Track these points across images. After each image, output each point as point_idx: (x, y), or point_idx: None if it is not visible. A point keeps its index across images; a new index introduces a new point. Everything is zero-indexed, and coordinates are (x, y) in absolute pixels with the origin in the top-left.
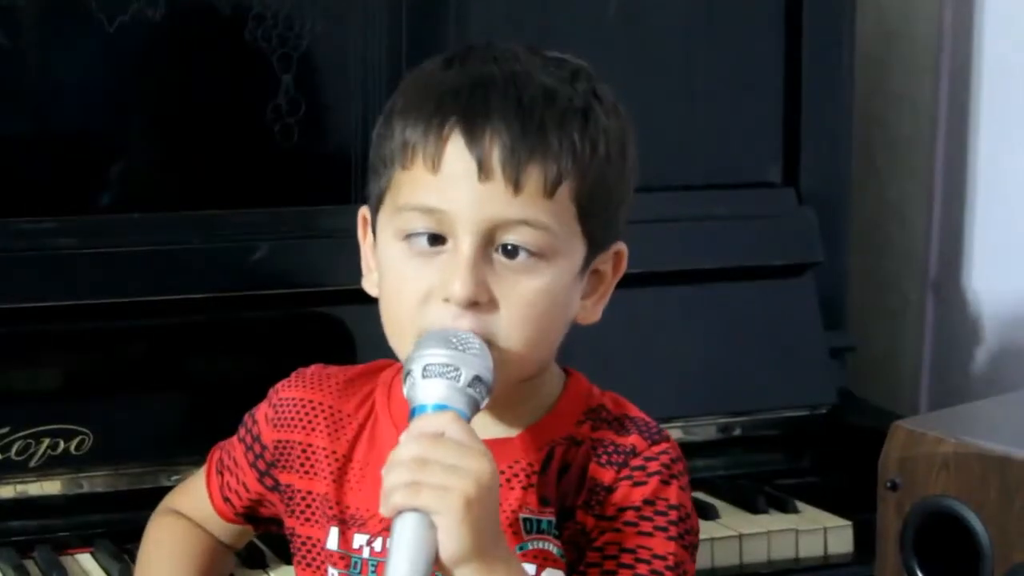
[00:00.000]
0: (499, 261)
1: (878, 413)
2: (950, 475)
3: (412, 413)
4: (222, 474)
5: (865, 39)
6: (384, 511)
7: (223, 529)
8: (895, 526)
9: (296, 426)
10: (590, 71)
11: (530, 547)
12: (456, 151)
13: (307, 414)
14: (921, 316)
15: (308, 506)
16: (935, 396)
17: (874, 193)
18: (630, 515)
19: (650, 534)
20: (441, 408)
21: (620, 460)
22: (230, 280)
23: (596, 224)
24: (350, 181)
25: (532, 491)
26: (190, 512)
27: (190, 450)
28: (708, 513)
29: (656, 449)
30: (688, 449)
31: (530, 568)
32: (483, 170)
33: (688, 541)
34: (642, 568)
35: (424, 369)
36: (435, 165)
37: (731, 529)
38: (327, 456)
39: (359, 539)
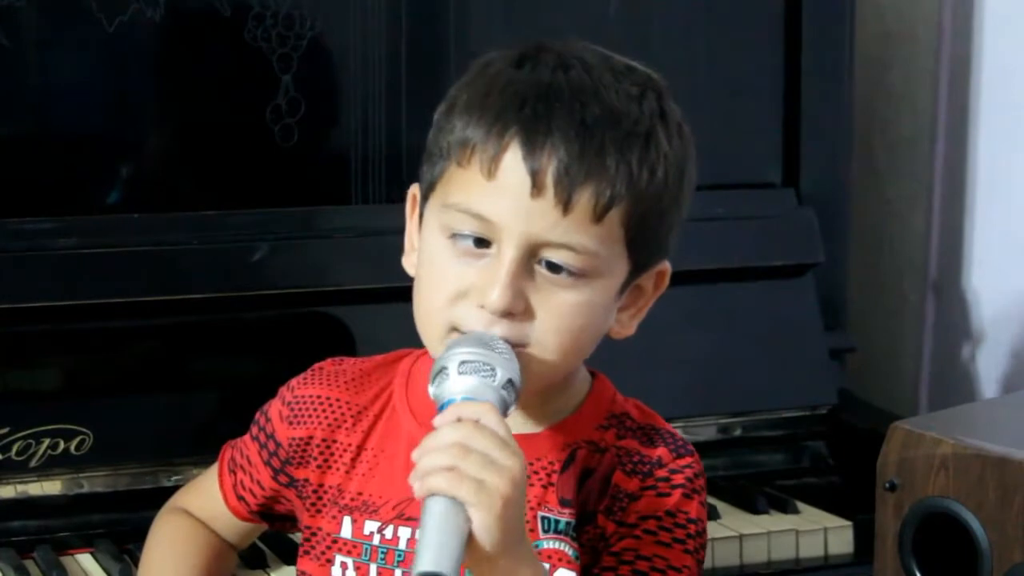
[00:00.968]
0: (540, 273)
1: (878, 413)
2: (949, 476)
3: (441, 408)
4: (235, 473)
5: (865, 39)
6: (419, 490)
7: (232, 528)
8: (894, 527)
9: (313, 422)
10: (660, 83)
11: (545, 546)
12: (513, 162)
13: (325, 411)
14: (921, 316)
15: (319, 498)
16: (935, 396)
17: (874, 193)
18: (651, 524)
19: (668, 545)
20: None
21: (646, 470)
22: (230, 280)
23: (643, 247)
24: (350, 181)
25: (552, 490)
26: (199, 511)
27: (190, 450)
28: (708, 513)
29: (681, 463)
30: None
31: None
32: (536, 185)
33: (700, 556)
34: None
35: (460, 365)
36: (490, 172)
37: (731, 529)
38: (344, 450)
39: (370, 526)
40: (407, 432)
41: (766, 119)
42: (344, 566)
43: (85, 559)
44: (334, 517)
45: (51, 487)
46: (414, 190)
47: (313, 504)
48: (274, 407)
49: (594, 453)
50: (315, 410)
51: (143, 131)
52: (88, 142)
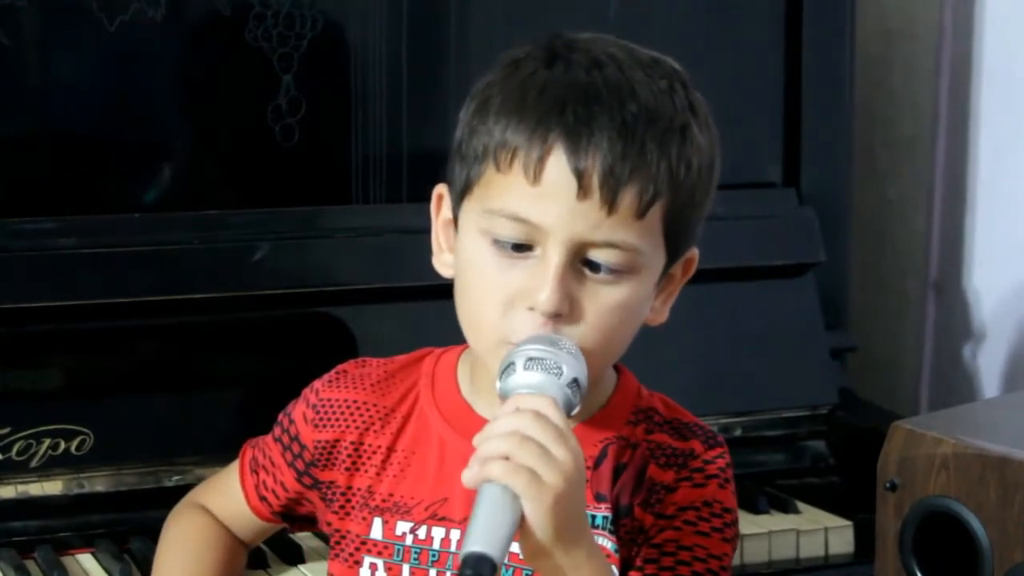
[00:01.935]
0: (584, 272)
1: (878, 413)
2: (949, 475)
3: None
4: (257, 473)
5: (865, 39)
6: (472, 476)
7: (250, 527)
8: (894, 526)
9: (341, 426)
10: (683, 73)
11: None
12: (557, 165)
13: (352, 414)
14: (922, 316)
15: (348, 500)
16: (935, 396)
17: (874, 193)
18: (690, 515)
19: (707, 535)
20: None
21: (680, 462)
22: (230, 280)
23: (679, 237)
24: (350, 181)
25: (587, 485)
26: (218, 509)
27: (190, 450)
28: None
29: (713, 453)
30: None
31: None
32: (582, 187)
33: (735, 545)
34: (699, 566)
35: (527, 361)
36: (536, 176)
37: None
38: (374, 452)
39: (402, 527)
40: (437, 434)
41: (766, 119)
42: (373, 567)
43: (86, 559)
44: (364, 519)
45: (52, 487)
46: (440, 189)
47: (341, 507)
48: (298, 410)
49: (625, 448)
50: (342, 414)
51: (143, 131)
52: (88, 142)
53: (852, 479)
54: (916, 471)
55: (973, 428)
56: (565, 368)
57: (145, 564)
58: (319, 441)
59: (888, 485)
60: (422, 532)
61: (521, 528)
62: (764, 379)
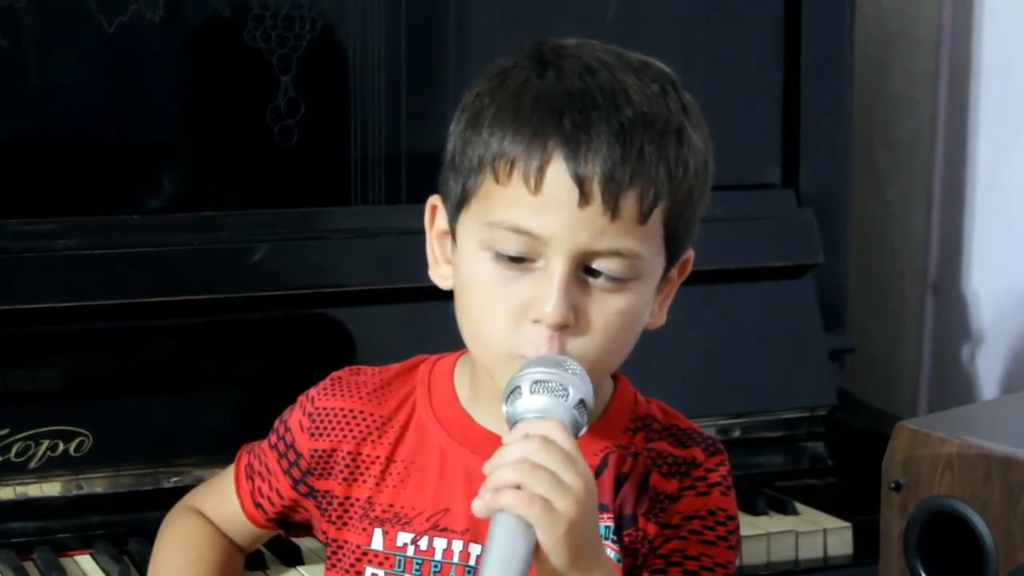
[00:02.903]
0: (587, 281)
1: (877, 415)
2: (954, 475)
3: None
4: (252, 479)
5: (865, 40)
6: (484, 505)
7: (245, 532)
8: (899, 526)
9: (337, 435)
10: (672, 75)
11: None
12: (557, 174)
13: (348, 423)
14: (921, 316)
15: (345, 511)
16: (935, 396)
17: (874, 193)
18: (696, 524)
19: (713, 543)
20: None
21: (683, 471)
22: (230, 281)
23: (678, 240)
24: (350, 181)
25: None
26: (214, 514)
27: (190, 451)
28: None
29: (714, 460)
30: None
31: None
32: (583, 195)
33: (737, 552)
34: (706, 575)
35: (533, 384)
36: (536, 186)
37: None
38: (372, 462)
39: (403, 537)
40: (436, 444)
41: (766, 119)
42: None
43: (84, 560)
44: (364, 529)
45: (50, 488)
46: (434, 201)
47: (339, 517)
48: (294, 417)
49: (626, 457)
50: (338, 423)
51: (142, 132)
52: (87, 143)
53: (851, 480)
54: (921, 471)
55: (978, 428)
56: (571, 390)
57: (144, 565)
58: (315, 450)
59: (892, 485)
60: (423, 543)
61: (536, 556)
62: (763, 380)
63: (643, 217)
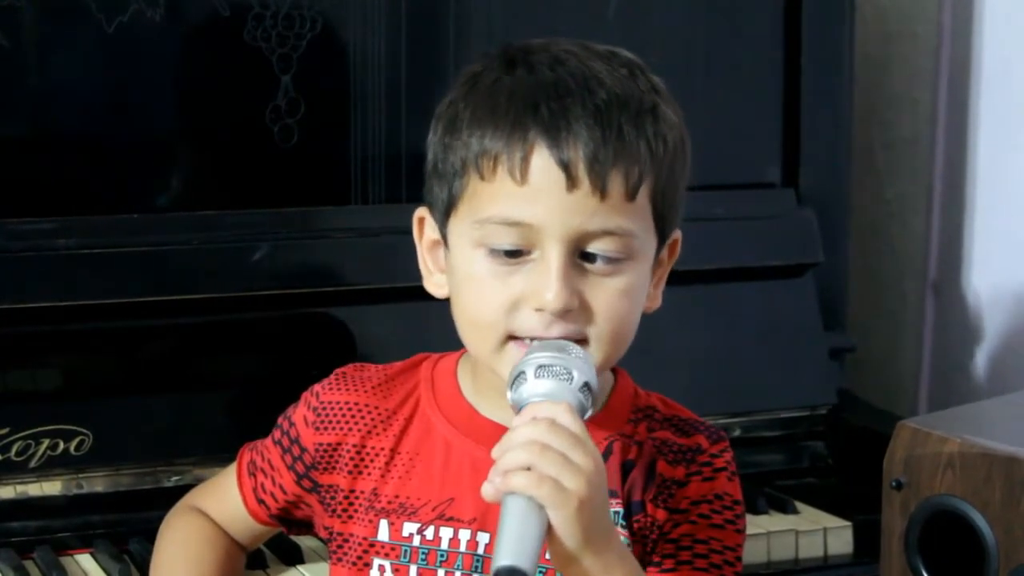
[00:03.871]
0: (583, 267)
1: (878, 413)
2: (955, 474)
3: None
4: (255, 476)
5: (865, 39)
6: (494, 489)
7: (247, 530)
8: (900, 525)
9: (343, 428)
10: (638, 60)
11: None
12: (542, 162)
13: (353, 416)
14: (921, 316)
15: (351, 504)
16: (935, 396)
17: (874, 193)
18: (704, 508)
19: (721, 527)
20: None
21: (689, 457)
22: (229, 281)
23: (666, 218)
24: (350, 181)
25: None
26: (215, 512)
27: (189, 450)
28: None
29: (718, 447)
30: None
31: None
32: (570, 179)
33: (744, 536)
34: (715, 558)
35: (537, 369)
36: (522, 177)
37: None
38: (376, 454)
39: (409, 527)
40: (442, 436)
41: (766, 119)
42: (382, 569)
43: (85, 559)
44: (370, 521)
45: (51, 487)
46: (421, 213)
47: (345, 510)
48: (298, 413)
49: (631, 445)
50: (343, 416)
51: (143, 131)
52: (88, 142)
53: (851, 479)
54: (922, 470)
55: (979, 427)
56: (576, 373)
57: (144, 565)
58: (320, 444)
59: (894, 484)
60: (429, 532)
61: (549, 538)
62: (763, 379)
63: (630, 194)
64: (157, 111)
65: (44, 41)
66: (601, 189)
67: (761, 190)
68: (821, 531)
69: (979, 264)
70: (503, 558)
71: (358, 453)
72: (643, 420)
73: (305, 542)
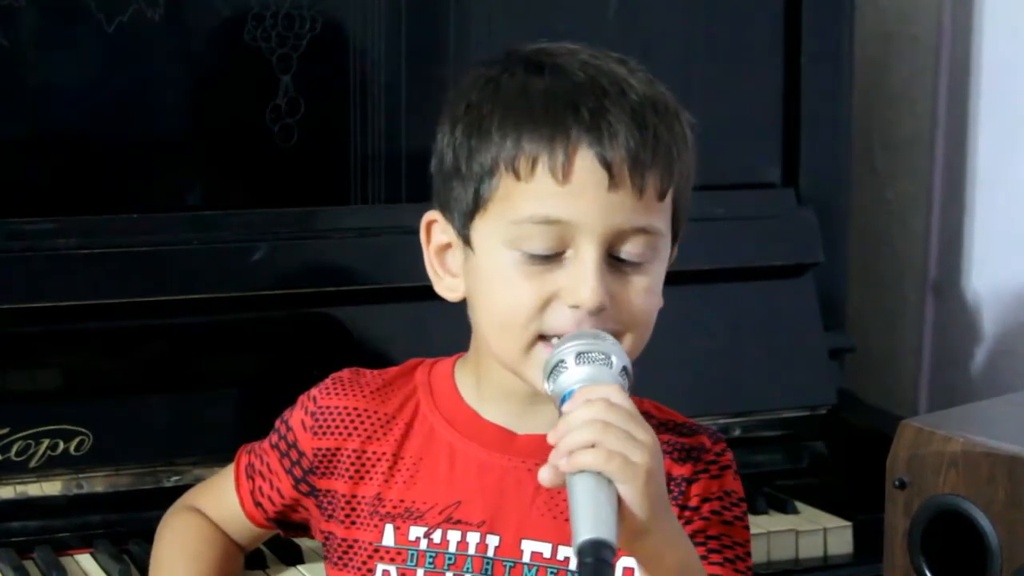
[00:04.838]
0: (614, 265)
1: (878, 414)
2: (958, 474)
3: (563, 400)
4: (253, 479)
5: (864, 40)
6: (552, 472)
7: (244, 531)
8: (903, 525)
9: (342, 433)
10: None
11: None
12: (585, 161)
13: (352, 421)
14: (921, 316)
15: (353, 509)
16: (935, 396)
17: (874, 193)
18: (714, 504)
19: (731, 523)
20: None
21: (694, 456)
22: (229, 280)
23: (680, 216)
24: (350, 181)
25: None
26: (213, 513)
27: (190, 450)
28: None
29: (720, 447)
30: None
31: None
32: (613, 179)
33: (749, 533)
34: (728, 553)
35: (577, 356)
36: (564, 176)
37: None
38: (378, 459)
39: (415, 531)
40: (445, 440)
41: (766, 119)
42: (387, 574)
43: (85, 559)
44: (375, 526)
45: (51, 487)
46: (432, 216)
47: (347, 516)
48: (295, 417)
49: None
50: (342, 421)
51: (143, 131)
52: (87, 142)
53: (851, 479)
54: (925, 469)
55: (982, 427)
56: (614, 358)
57: (144, 565)
58: (319, 449)
59: (897, 483)
60: (437, 536)
61: (620, 512)
62: (763, 379)
63: (662, 194)
64: (157, 111)
65: (44, 41)
66: (640, 188)
67: (761, 190)
68: (821, 531)
69: (979, 264)
70: (585, 532)
71: (358, 458)
72: None
73: (305, 542)
